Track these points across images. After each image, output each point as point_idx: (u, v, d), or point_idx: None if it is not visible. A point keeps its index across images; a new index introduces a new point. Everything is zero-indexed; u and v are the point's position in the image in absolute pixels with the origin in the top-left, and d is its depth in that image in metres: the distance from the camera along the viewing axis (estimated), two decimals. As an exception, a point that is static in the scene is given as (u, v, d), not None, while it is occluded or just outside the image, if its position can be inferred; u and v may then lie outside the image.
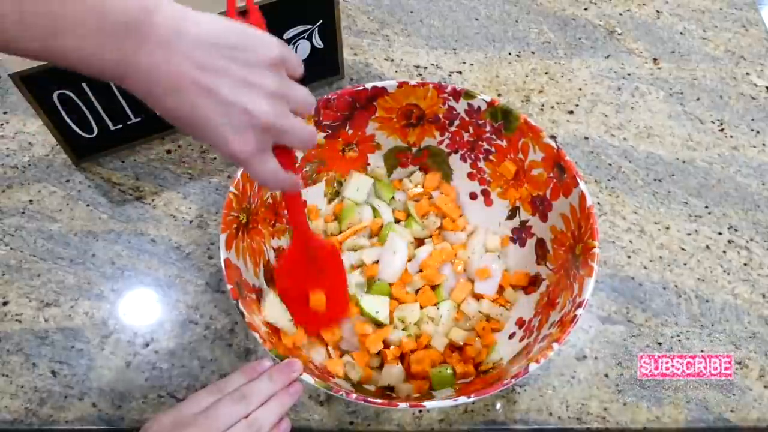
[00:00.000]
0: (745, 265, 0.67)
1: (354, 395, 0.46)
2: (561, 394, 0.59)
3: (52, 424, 0.56)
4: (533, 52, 0.85)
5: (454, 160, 0.68)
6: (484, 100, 0.61)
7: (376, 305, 0.60)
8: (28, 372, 0.59)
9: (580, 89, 0.81)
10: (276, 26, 0.69)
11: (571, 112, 0.79)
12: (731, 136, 0.77)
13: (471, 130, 0.64)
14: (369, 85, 0.62)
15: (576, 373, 0.60)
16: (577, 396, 0.59)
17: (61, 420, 0.56)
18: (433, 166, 0.69)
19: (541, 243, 0.61)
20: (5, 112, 0.76)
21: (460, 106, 0.63)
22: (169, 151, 0.73)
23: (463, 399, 0.46)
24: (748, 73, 0.83)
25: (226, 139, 0.38)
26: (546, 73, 0.82)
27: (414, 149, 0.68)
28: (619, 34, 0.87)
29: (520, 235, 0.64)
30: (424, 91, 0.62)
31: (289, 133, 0.41)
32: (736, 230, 0.69)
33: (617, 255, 0.67)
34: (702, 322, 0.63)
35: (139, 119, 0.70)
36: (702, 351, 0.61)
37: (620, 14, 0.89)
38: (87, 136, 0.68)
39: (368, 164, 0.69)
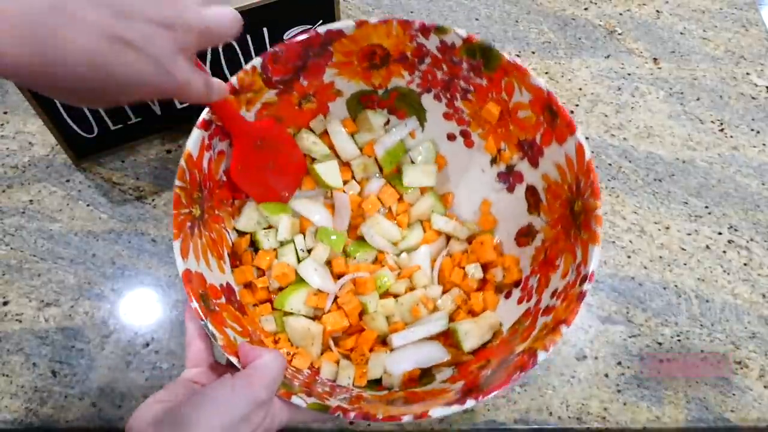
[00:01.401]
0: (745, 265, 0.67)
1: (352, 414, 0.43)
2: (561, 394, 0.59)
3: (52, 424, 0.56)
4: (533, 52, 0.85)
5: (427, 100, 0.62)
6: (459, 35, 0.55)
7: (330, 172, 0.61)
8: (28, 372, 0.59)
9: (580, 89, 0.81)
10: (276, 26, 0.69)
11: (571, 112, 0.79)
12: (731, 136, 0.77)
13: (445, 68, 0.58)
14: (322, 29, 0.55)
15: (576, 373, 0.60)
16: (577, 396, 0.59)
17: (61, 420, 0.57)
18: (403, 107, 0.64)
19: (532, 191, 0.57)
20: (5, 112, 0.76)
21: (431, 43, 0.57)
22: (169, 151, 0.73)
23: (470, 402, 0.43)
24: (748, 73, 0.83)
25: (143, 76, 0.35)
26: (546, 73, 0.82)
27: (380, 91, 0.62)
28: (619, 34, 0.87)
29: (507, 179, 0.60)
30: (387, 28, 0.56)
31: (206, 28, 0.37)
32: (736, 230, 0.69)
33: (617, 255, 0.67)
34: (702, 322, 0.63)
35: (139, 119, 0.70)
36: (702, 351, 0.61)
37: (620, 14, 0.89)
38: (87, 136, 0.68)
39: (329, 113, 0.64)
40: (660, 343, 0.62)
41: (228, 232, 0.58)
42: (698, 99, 0.80)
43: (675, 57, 0.85)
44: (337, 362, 0.56)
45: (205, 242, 0.52)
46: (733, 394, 0.59)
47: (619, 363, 0.61)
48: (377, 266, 0.62)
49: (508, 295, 0.57)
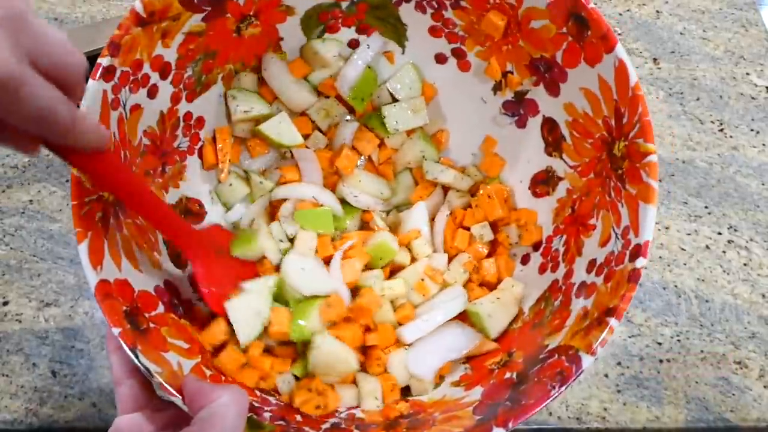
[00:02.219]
0: (745, 265, 0.67)
1: None
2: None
3: (52, 424, 0.56)
4: (533, 52, 0.85)
5: (407, 12, 0.48)
6: None
7: (282, 129, 0.47)
8: (28, 372, 0.59)
9: (580, 89, 0.81)
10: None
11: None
12: (731, 136, 0.77)
13: None
14: None
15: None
16: (577, 396, 0.59)
17: (61, 420, 0.57)
18: (377, 24, 0.50)
19: (550, 126, 0.45)
20: (5, 112, 0.76)
21: None
22: (169, 151, 0.73)
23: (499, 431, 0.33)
24: (748, 73, 0.83)
25: None
26: (546, 73, 0.82)
27: (344, 4, 0.48)
28: (619, 34, 0.87)
29: (516, 110, 0.47)
30: None
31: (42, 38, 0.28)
32: (736, 230, 0.69)
33: (617, 255, 0.67)
34: (702, 322, 0.63)
35: (139, 119, 0.70)
36: (702, 351, 0.61)
37: (620, 14, 0.89)
38: (87, 136, 0.68)
39: (281, 39, 0.49)
40: (660, 343, 0.62)
41: None
42: (698, 99, 0.80)
43: (675, 57, 0.85)
44: (354, 382, 0.45)
45: (129, 233, 0.39)
46: (733, 394, 0.59)
47: (619, 363, 0.61)
48: (368, 233, 0.51)
49: (525, 261, 0.47)
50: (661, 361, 0.61)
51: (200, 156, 0.50)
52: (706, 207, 0.71)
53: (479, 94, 0.50)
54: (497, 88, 0.48)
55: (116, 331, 0.34)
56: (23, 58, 0.27)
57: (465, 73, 0.50)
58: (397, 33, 0.50)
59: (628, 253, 0.36)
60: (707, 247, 0.68)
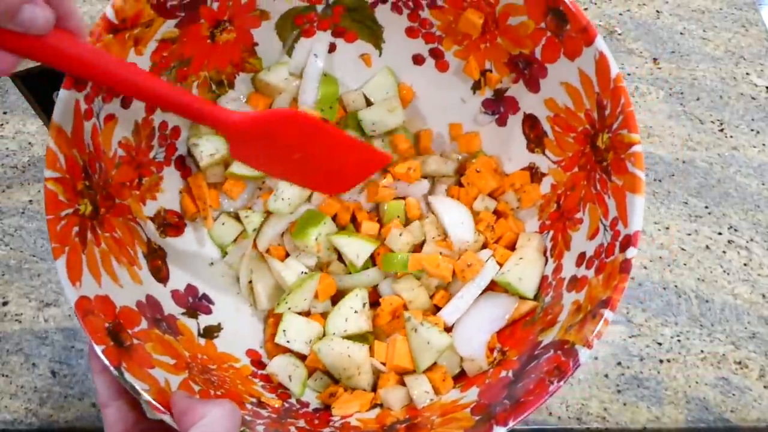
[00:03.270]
0: (745, 265, 0.67)
1: None
2: (561, 394, 0.59)
3: (52, 424, 0.56)
4: (533, 52, 0.85)
5: (383, 13, 0.48)
6: None
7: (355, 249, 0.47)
8: (28, 372, 0.59)
9: (580, 89, 0.81)
10: None
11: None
12: (731, 136, 0.77)
13: None
14: None
15: (575, 373, 0.60)
16: (577, 396, 0.59)
17: (61, 420, 0.57)
18: (353, 27, 0.49)
19: (531, 121, 0.46)
20: (5, 112, 0.76)
21: None
22: (169, 151, 0.73)
23: (500, 430, 0.33)
24: (748, 73, 0.83)
25: None
26: (546, 73, 0.82)
27: (320, 7, 0.47)
28: (619, 34, 0.87)
29: (496, 108, 0.47)
30: None
31: None
32: (736, 230, 0.69)
33: (617, 255, 0.67)
34: (702, 322, 0.63)
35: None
36: (702, 351, 0.61)
37: (620, 14, 0.89)
38: (87, 136, 0.68)
39: (255, 44, 0.48)
40: (660, 343, 0.62)
41: (140, 225, 0.43)
42: (698, 99, 0.80)
43: (675, 57, 0.85)
44: (400, 382, 0.44)
45: (107, 248, 0.38)
46: (733, 394, 0.59)
47: (619, 363, 0.61)
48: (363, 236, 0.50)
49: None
50: (661, 361, 0.61)
51: (177, 167, 0.49)
52: (706, 207, 0.71)
53: (458, 93, 0.50)
54: (476, 87, 0.48)
55: (99, 348, 0.32)
56: None
57: (443, 73, 0.50)
58: (374, 35, 0.50)
59: (618, 244, 0.36)
60: (707, 247, 0.68)
